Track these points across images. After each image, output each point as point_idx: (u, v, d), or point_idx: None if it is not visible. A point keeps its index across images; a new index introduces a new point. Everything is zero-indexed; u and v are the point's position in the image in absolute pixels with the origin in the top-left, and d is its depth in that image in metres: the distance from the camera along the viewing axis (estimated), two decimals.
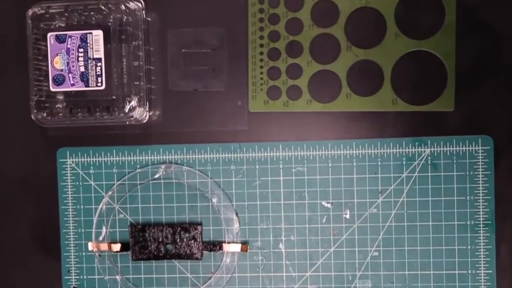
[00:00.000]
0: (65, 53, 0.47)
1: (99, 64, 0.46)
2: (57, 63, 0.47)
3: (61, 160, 0.51)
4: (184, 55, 0.50)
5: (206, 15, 0.50)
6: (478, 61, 0.48)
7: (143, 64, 0.48)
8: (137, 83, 0.48)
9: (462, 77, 0.48)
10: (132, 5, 0.48)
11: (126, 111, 0.47)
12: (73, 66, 0.47)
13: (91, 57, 0.46)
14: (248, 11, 0.49)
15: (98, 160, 0.51)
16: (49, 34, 0.47)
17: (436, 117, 0.49)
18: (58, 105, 0.48)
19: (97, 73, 0.46)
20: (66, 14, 0.47)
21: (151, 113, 0.50)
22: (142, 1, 0.49)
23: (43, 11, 0.47)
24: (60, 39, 0.47)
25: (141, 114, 0.48)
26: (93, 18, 0.47)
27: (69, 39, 0.46)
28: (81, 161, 0.51)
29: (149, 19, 0.50)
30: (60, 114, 0.48)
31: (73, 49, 0.46)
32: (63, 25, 0.47)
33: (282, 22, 0.49)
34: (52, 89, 0.47)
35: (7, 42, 0.51)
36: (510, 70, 0.48)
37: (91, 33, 0.46)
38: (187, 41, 0.50)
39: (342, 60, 0.49)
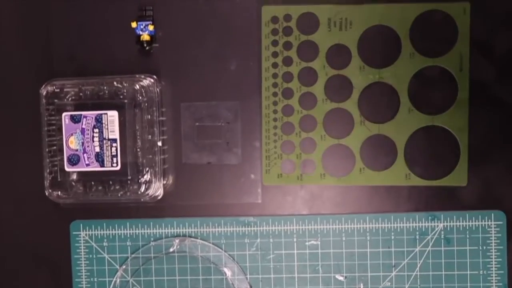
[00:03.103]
0: (80, 133, 0.48)
1: (114, 144, 0.48)
2: (72, 143, 0.48)
3: (74, 233, 0.52)
4: (197, 128, 0.51)
5: (220, 89, 0.51)
6: (491, 137, 0.50)
7: (157, 139, 0.49)
8: (151, 156, 0.49)
9: (475, 152, 0.50)
10: (145, 82, 0.49)
11: (142, 190, 0.48)
12: (88, 146, 0.48)
13: (106, 138, 0.48)
14: (262, 85, 0.51)
15: (112, 233, 0.52)
16: (64, 114, 0.48)
17: (449, 192, 0.50)
18: (73, 184, 0.49)
19: (113, 153, 0.48)
20: (80, 94, 0.48)
21: (164, 182, 0.51)
22: (155, 76, 0.50)
23: (58, 90, 0.48)
24: (75, 119, 0.48)
25: (156, 190, 0.49)
26: (107, 96, 0.48)
27: (84, 119, 0.48)
28: (95, 233, 0.52)
29: (161, 89, 0.51)
30: (74, 190, 0.49)
31: (88, 129, 0.48)
32: (77, 99, 0.48)
33: (295, 97, 0.51)
34: (67, 169, 0.48)
35: (21, 117, 0.52)
36: None
37: (106, 113, 0.47)
38: (201, 114, 0.51)
39: (355, 135, 0.50)
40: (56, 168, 0.49)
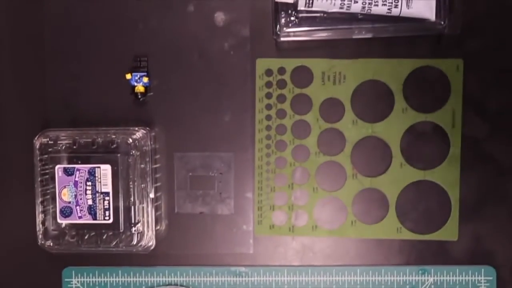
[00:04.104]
0: (73, 186, 0.48)
1: (107, 198, 0.48)
2: (64, 195, 0.48)
3: (66, 279, 0.53)
4: (190, 178, 0.52)
5: (213, 140, 0.51)
6: (482, 192, 0.50)
7: (150, 191, 0.49)
8: (143, 207, 0.49)
9: (466, 207, 0.50)
10: (138, 134, 0.49)
11: (134, 242, 0.48)
12: (80, 199, 0.48)
13: (99, 191, 0.48)
14: (255, 137, 0.51)
15: (104, 280, 0.52)
16: (57, 167, 0.48)
17: (440, 246, 0.51)
18: (65, 233, 0.49)
19: (105, 206, 0.48)
20: (74, 146, 0.48)
21: (157, 228, 0.51)
22: (149, 126, 0.51)
23: (52, 142, 0.48)
24: (68, 172, 0.48)
25: (148, 240, 0.50)
26: (101, 148, 0.48)
27: (77, 172, 0.48)
28: (87, 281, 0.52)
29: (155, 136, 0.51)
30: (66, 240, 0.49)
31: (81, 182, 0.48)
32: (70, 150, 0.49)
33: (288, 149, 0.51)
34: (59, 220, 0.49)
35: (14, 165, 0.52)
36: None
37: (99, 167, 0.48)
38: (194, 164, 0.52)
39: (347, 188, 0.51)
40: (48, 216, 0.50)
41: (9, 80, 0.52)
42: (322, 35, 0.49)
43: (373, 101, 0.51)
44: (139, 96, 0.51)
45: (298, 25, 0.49)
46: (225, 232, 0.52)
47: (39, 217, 0.50)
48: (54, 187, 0.49)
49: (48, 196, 0.50)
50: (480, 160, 0.50)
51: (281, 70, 0.51)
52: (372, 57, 0.50)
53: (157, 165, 0.52)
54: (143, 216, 0.49)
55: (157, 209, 0.51)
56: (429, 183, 0.51)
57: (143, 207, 0.49)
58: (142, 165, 0.49)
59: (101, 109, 0.52)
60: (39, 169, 0.49)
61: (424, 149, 0.51)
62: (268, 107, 0.51)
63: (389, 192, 0.51)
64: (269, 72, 0.51)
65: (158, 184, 0.52)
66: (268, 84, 0.51)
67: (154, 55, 0.51)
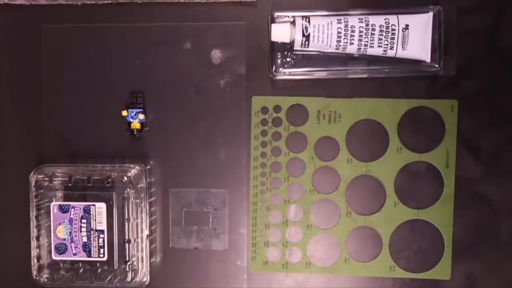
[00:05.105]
0: (68, 223, 0.49)
1: (101, 236, 0.48)
2: (60, 232, 0.49)
3: None
4: (185, 214, 0.52)
5: (209, 176, 0.52)
6: (475, 232, 0.51)
7: (145, 228, 0.50)
8: (138, 244, 0.49)
9: (459, 246, 0.51)
10: (133, 171, 0.49)
11: (129, 279, 0.49)
12: (75, 236, 0.48)
13: (94, 228, 0.48)
14: (250, 174, 0.51)
15: None
16: (52, 204, 0.49)
17: (432, 285, 0.51)
18: (60, 267, 0.50)
19: (100, 244, 0.48)
20: (70, 184, 0.49)
21: (152, 260, 0.51)
22: (144, 161, 0.51)
23: (47, 179, 0.49)
24: (63, 209, 0.49)
25: (143, 276, 0.50)
26: (96, 186, 0.49)
27: (73, 209, 0.48)
28: None
29: (150, 170, 0.52)
30: (60, 275, 0.50)
31: (76, 220, 0.48)
32: (66, 187, 0.49)
33: (283, 186, 0.51)
34: (54, 257, 0.49)
35: (9, 199, 0.52)
36: (506, 241, 0.50)
37: (94, 205, 0.48)
38: (189, 200, 0.52)
39: (341, 226, 0.51)
40: (43, 251, 0.50)
41: (6, 115, 0.53)
42: (317, 75, 0.49)
43: (368, 140, 0.51)
44: (135, 133, 0.51)
45: (294, 65, 0.49)
46: (219, 267, 0.52)
47: (34, 252, 0.50)
48: (49, 222, 0.50)
49: (43, 231, 0.50)
50: (473, 200, 0.51)
51: (277, 108, 0.51)
52: (368, 97, 0.50)
53: (152, 199, 0.52)
54: (137, 251, 0.50)
55: (151, 242, 0.52)
56: (422, 222, 0.51)
57: (137, 243, 0.50)
58: (137, 201, 0.50)
59: (97, 144, 0.52)
60: (34, 204, 0.49)
61: (418, 188, 0.51)
62: (263, 144, 0.51)
63: (382, 230, 0.51)
64: (264, 110, 0.51)
65: (153, 217, 0.52)
66: (264, 122, 0.51)
67: (150, 91, 0.52)
